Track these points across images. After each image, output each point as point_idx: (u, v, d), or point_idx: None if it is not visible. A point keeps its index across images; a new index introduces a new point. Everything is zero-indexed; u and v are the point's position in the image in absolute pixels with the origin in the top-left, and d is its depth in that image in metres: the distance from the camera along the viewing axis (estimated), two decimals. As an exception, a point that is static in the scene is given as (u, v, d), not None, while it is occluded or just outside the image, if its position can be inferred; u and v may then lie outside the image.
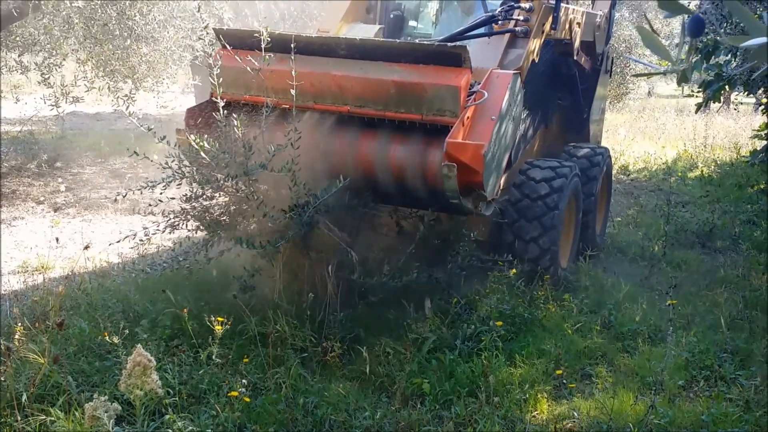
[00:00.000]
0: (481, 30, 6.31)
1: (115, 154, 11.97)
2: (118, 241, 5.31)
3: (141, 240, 5.26)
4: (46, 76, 11.61)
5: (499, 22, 6.36)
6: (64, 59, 11.98)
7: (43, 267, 6.80)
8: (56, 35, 11.39)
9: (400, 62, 5.11)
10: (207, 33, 5.29)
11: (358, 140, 5.33)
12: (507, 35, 6.26)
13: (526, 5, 6.38)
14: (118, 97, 4.74)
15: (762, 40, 1.66)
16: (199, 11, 6.43)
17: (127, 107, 4.97)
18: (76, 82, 12.13)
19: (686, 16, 2.01)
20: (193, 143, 4.87)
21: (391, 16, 7.46)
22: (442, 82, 5.01)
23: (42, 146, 12.05)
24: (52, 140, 12.88)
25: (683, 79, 2.19)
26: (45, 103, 11.88)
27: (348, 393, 4.60)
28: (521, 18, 6.34)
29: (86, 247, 5.89)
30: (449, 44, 5.15)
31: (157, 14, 11.44)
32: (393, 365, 4.92)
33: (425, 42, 5.62)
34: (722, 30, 7.63)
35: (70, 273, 6.33)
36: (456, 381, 4.77)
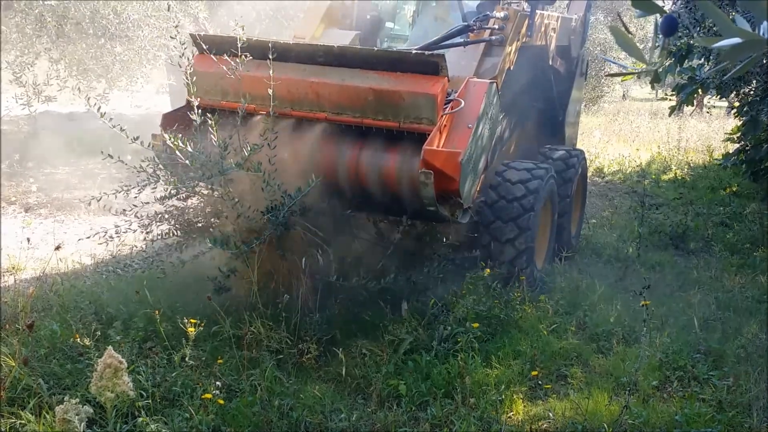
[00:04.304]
0: (457, 40, 6.34)
1: (88, 154, 11.80)
2: (89, 237, 5.25)
3: (111, 237, 5.19)
4: (18, 75, 11.45)
5: (475, 30, 6.39)
6: (36, 58, 11.82)
7: (14, 268, 6.70)
8: (29, 33, 11.23)
9: (377, 70, 5.12)
10: (178, 32, 5.23)
11: (340, 148, 5.33)
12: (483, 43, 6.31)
13: (501, 14, 6.44)
14: (89, 98, 4.67)
15: (734, 40, 1.68)
16: (169, 10, 6.39)
17: (99, 108, 4.89)
18: (48, 81, 11.97)
19: (659, 15, 2.03)
20: (168, 142, 4.84)
21: (368, 17, 7.46)
22: (420, 90, 5.02)
23: (14, 146, 11.87)
24: (24, 140, 12.69)
25: (656, 79, 2.21)
26: (17, 102, 11.71)
27: (324, 395, 4.58)
28: (496, 27, 6.38)
29: (58, 248, 5.81)
30: (427, 53, 5.16)
31: (131, 13, 11.34)
32: (369, 367, 4.91)
33: (403, 50, 5.63)
34: (695, 34, 7.71)
35: (42, 274, 6.24)
36: (432, 382, 4.77)
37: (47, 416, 3.87)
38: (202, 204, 5.39)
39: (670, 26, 2.01)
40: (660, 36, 2.04)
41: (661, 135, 17.48)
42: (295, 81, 5.21)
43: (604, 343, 5.71)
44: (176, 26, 5.21)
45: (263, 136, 4.90)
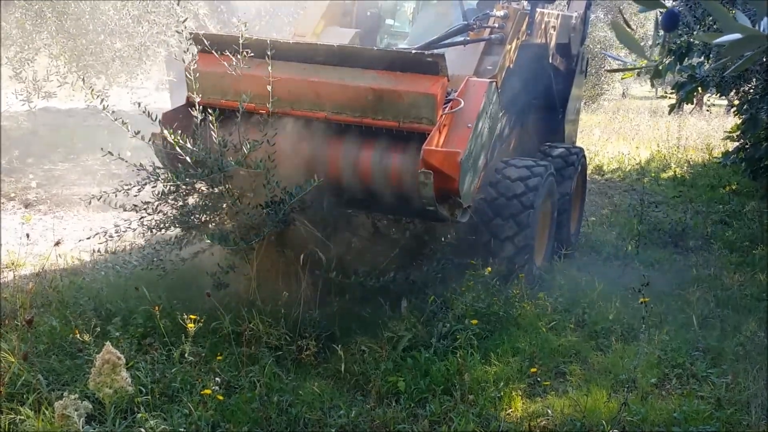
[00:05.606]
0: (457, 38, 6.34)
1: (88, 150, 11.82)
2: (89, 238, 5.26)
3: (111, 236, 5.20)
4: (18, 71, 11.43)
5: (475, 29, 6.39)
6: (36, 54, 11.80)
7: (13, 264, 6.69)
8: (28, 29, 11.21)
9: (377, 69, 5.12)
10: (185, 27, 5.22)
11: (331, 146, 5.33)
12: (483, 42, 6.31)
13: (501, 13, 6.43)
14: (92, 89, 4.66)
15: (735, 36, 1.68)
16: (179, 4, 6.39)
17: (102, 101, 4.91)
18: (48, 77, 11.96)
19: (660, 11, 2.03)
20: (168, 138, 4.84)
21: (368, 14, 7.46)
22: (419, 89, 5.02)
23: (13, 142, 11.87)
24: (24, 136, 12.70)
25: (657, 75, 2.21)
26: (17, 98, 11.69)
27: (323, 391, 4.58)
28: (496, 25, 6.38)
29: (57, 244, 5.81)
30: (426, 52, 5.16)
31: (131, 9, 11.32)
32: (368, 363, 4.91)
33: (403, 49, 5.62)
34: (695, 32, 7.71)
35: (41, 270, 6.23)
36: (431, 379, 4.77)
37: (46, 412, 3.87)
38: (201, 201, 5.38)
39: (671, 21, 2.01)
40: (661, 32, 2.04)
41: (660, 133, 17.48)
42: (295, 80, 5.21)
43: (603, 340, 5.71)
44: (183, 21, 5.21)
45: (263, 133, 4.90)
